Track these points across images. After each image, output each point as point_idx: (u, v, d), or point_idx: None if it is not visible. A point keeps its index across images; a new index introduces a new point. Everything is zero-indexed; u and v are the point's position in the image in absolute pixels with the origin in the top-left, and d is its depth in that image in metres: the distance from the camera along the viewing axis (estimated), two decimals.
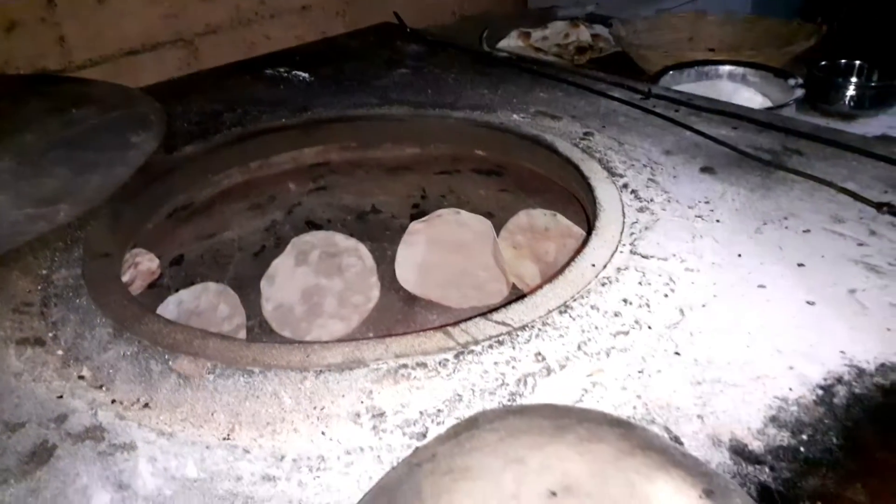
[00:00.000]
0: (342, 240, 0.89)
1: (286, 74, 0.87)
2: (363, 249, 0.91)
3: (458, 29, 1.25)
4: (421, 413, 0.39)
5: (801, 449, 0.36)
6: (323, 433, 0.38)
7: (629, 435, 0.31)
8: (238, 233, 0.82)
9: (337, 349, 0.42)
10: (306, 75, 0.87)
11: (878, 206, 0.55)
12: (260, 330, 0.84)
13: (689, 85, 0.92)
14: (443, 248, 0.91)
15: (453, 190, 0.88)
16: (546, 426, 0.31)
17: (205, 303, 0.80)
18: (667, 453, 0.30)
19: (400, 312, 0.92)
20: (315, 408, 0.39)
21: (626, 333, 0.44)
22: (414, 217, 0.89)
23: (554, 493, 0.28)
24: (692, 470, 0.30)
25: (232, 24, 1.06)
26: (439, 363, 0.41)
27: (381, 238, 0.91)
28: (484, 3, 1.40)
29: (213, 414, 0.40)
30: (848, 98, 0.92)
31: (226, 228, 0.80)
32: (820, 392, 0.39)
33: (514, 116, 0.75)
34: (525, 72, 0.85)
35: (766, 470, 0.35)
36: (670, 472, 0.29)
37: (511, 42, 1.22)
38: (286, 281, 0.88)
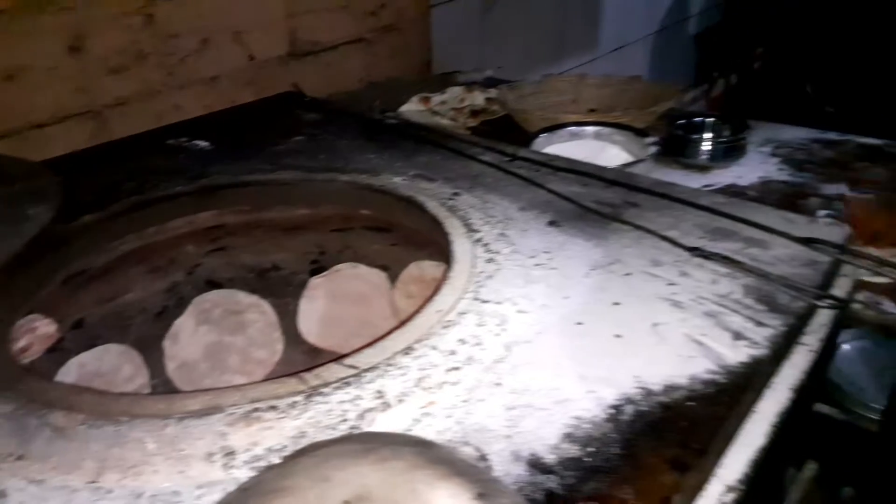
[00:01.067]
0: (244, 297, 0.94)
1: (186, 144, 0.93)
2: (265, 305, 0.96)
3: (364, 95, 1.33)
4: (268, 450, 0.44)
5: (586, 459, 0.43)
6: (180, 472, 0.43)
7: (426, 452, 0.37)
8: (139, 295, 0.86)
9: (197, 398, 0.47)
10: (206, 144, 0.93)
11: (691, 250, 0.64)
12: (164, 389, 0.88)
13: (562, 145, 1.02)
14: (343, 301, 0.97)
15: (349, 246, 0.94)
16: (357, 449, 0.37)
17: (107, 364, 0.84)
18: (454, 466, 0.37)
19: (304, 364, 0.96)
20: (175, 450, 0.45)
21: (459, 369, 0.51)
22: (314, 272, 0.95)
23: (348, 503, 0.33)
24: (472, 478, 0.36)
25: (141, 95, 1.11)
26: (289, 405, 0.47)
27: (283, 294, 0.97)
28: (390, 69, 1.49)
29: (82, 461, 0.44)
30: (702, 152, 1.03)
31: (126, 291, 0.84)
32: (611, 411, 0.47)
33: (396, 179, 0.82)
34: (410, 138, 0.93)
35: (554, 478, 0.42)
36: (451, 480, 0.35)
37: (412, 106, 1.31)
38: (189, 340, 0.92)
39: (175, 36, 1.11)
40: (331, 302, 0.97)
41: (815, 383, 0.65)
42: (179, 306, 0.89)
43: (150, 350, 0.86)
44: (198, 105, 1.18)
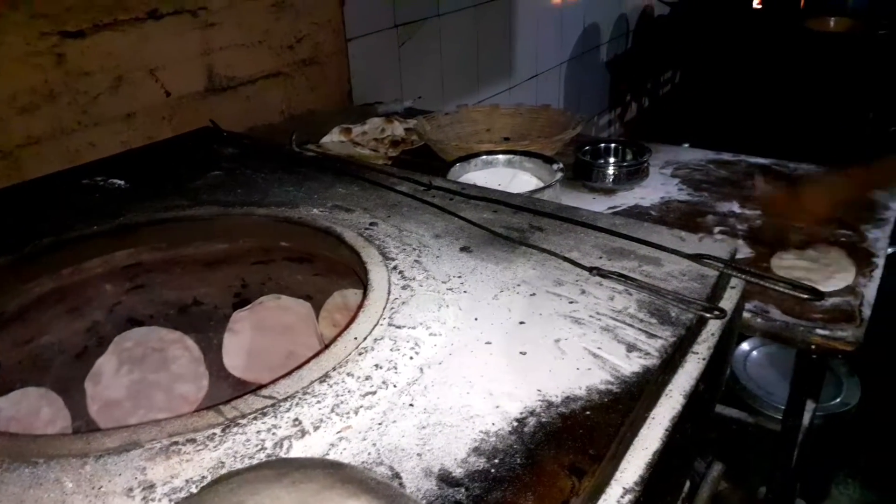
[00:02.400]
0: (166, 333, 0.94)
1: (102, 182, 0.93)
2: (189, 341, 0.96)
3: (285, 128, 1.35)
4: (187, 481, 0.46)
5: (492, 470, 0.46)
6: None
7: (337, 473, 0.40)
8: (57, 336, 0.85)
9: (115, 435, 0.48)
10: (122, 182, 0.93)
11: (590, 270, 0.69)
12: (87, 430, 0.86)
13: (477, 173, 1.06)
14: (268, 333, 0.98)
15: (272, 277, 0.96)
16: (270, 475, 0.39)
17: (26, 408, 0.82)
18: (364, 484, 0.39)
19: (230, 398, 0.96)
20: (94, 488, 0.45)
21: (374, 393, 0.53)
22: (237, 306, 0.96)
23: None
24: (381, 494, 0.38)
25: (54, 134, 1.10)
26: (207, 437, 0.48)
27: (207, 329, 0.97)
28: (310, 101, 1.52)
29: None
30: (608, 176, 1.10)
31: (44, 333, 0.83)
32: (515, 424, 0.50)
33: (314, 210, 0.85)
34: (328, 170, 0.96)
35: (462, 490, 0.44)
36: (361, 498, 0.38)
37: (334, 137, 1.34)
38: (111, 379, 0.91)
39: (87, 74, 1.11)
40: (256, 334, 0.98)
41: (712, 389, 0.71)
42: (100, 346, 0.88)
43: (71, 392, 0.84)
44: (114, 142, 1.17)
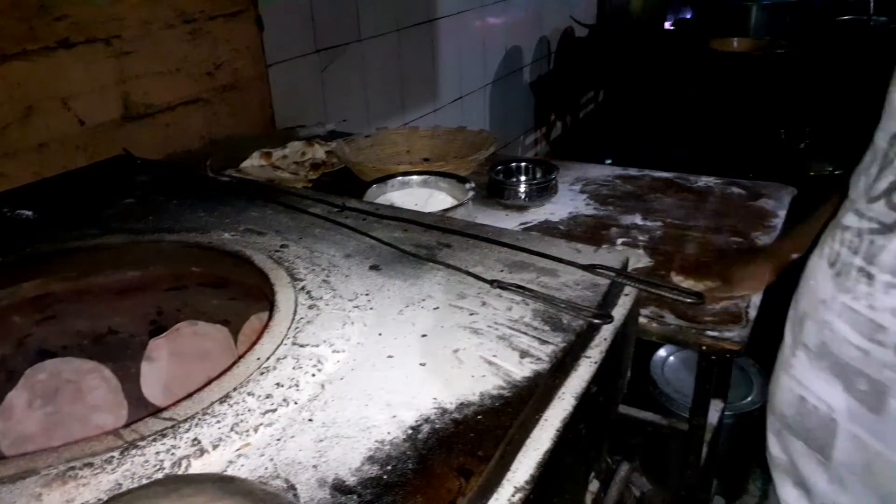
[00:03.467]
0: (81, 364, 0.93)
1: (8, 214, 0.91)
2: (105, 371, 0.95)
3: (205, 154, 1.35)
4: None
5: (384, 477, 0.48)
6: None
7: (227, 487, 0.41)
8: None
9: (11, 463, 0.48)
10: (29, 213, 0.92)
11: (491, 283, 0.72)
12: None
13: (394, 193, 1.09)
14: (186, 360, 0.97)
15: (187, 304, 0.96)
16: (160, 490, 0.40)
17: None
18: (252, 495, 0.41)
19: (129, 423, 0.96)
20: None
21: (274, 410, 0.55)
22: (153, 333, 0.96)
23: None
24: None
25: None
26: (105, 461, 0.49)
27: (123, 358, 0.96)
28: (232, 126, 1.52)
29: None
30: (519, 193, 1.14)
31: None
32: (409, 431, 0.52)
33: (226, 235, 0.86)
34: (242, 194, 0.97)
35: (355, 497, 0.47)
36: None
37: (254, 161, 1.35)
38: (24, 413, 0.89)
39: None
40: (173, 361, 0.97)
41: (609, 391, 0.75)
42: (10, 380, 0.87)
43: None
44: (26, 173, 1.16)
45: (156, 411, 0.54)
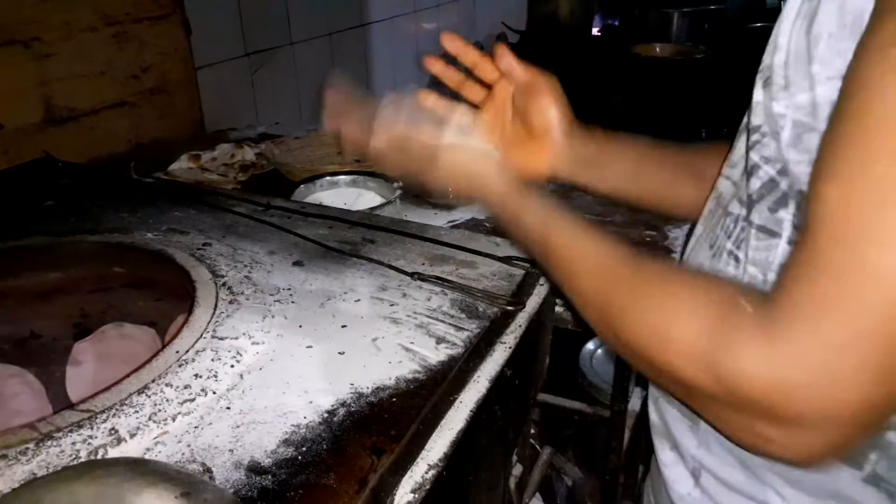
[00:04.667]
0: (2, 369, 0.91)
1: None
2: (29, 376, 0.93)
3: (131, 157, 1.33)
4: None
5: (299, 457, 0.50)
6: None
7: (137, 468, 0.43)
8: None
9: None
10: None
11: (412, 275, 0.75)
12: None
13: (322, 193, 1.11)
14: (113, 362, 0.96)
15: (112, 305, 0.95)
16: (71, 474, 0.41)
17: None
18: (164, 475, 0.42)
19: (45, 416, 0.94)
20: None
21: (193, 400, 0.56)
22: (77, 336, 0.94)
23: None
24: (178, 482, 0.42)
25: None
26: (20, 452, 0.50)
27: (47, 362, 0.94)
28: (160, 129, 1.50)
29: None
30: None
31: None
32: (325, 415, 0.54)
33: (149, 235, 0.86)
34: (165, 195, 0.97)
35: (269, 477, 0.48)
36: (158, 486, 0.41)
37: (182, 164, 1.34)
38: None
39: None
40: (100, 364, 0.96)
41: (526, 376, 0.78)
42: None
43: None
44: None
45: (72, 404, 0.54)
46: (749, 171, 0.47)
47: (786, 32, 0.42)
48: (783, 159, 0.43)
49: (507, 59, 0.70)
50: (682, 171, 0.69)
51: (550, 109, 0.69)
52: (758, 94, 0.45)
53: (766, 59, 0.45)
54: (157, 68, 1.47)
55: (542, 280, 0.80)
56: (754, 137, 0.46)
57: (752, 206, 0.46)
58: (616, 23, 2.88)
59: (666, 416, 0.56)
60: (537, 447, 1.04)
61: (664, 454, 0.56)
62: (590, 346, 1.58)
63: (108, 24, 1.37)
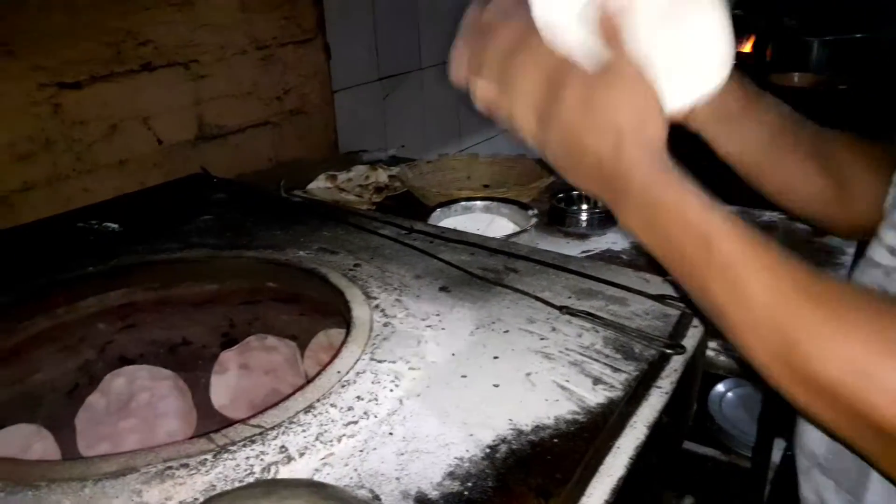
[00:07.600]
0: (156, 372, 0.97)
1: (96, 226, 0.96)
2: (180, 381, 0.98)
3: (272, 175, 1.40)
4: (181, 503, 0.49)
5: (465, 493, 0.50)
6: None
7: (320, 492, 0.43)
8: (50, 374, 0.87)
9: (113, 460, 0.51)
10: (115, 226, 0.97)
11: (560, 309, 0.73)
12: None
13: (456, 218, 1.11)
14: (254, 373, 1.01)
15: (258, 317, 0.99)
16: (258, 492, 0.43)
17: (17, 444, 0.84)
18: (346, 501, 0.43)
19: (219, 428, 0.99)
20: None
21: (356, 423, 0.57)
22: (224, 345, 0.99)
23: None
24: None
25: (49, 180, 1.14)
26: (199, 462, 0.52)
27: (195, 368, 1.00)
28: (298, 149, 1.57)
29: None
30: (581, 221, 1.15)
31: (36, 371, 0.85)
32: (487, 450, 0.54)
33: (300, 253, 0.89)
34: (314, 214, 1.00)
35: None
36: None
37: (320, 184, 1.39)
38: (102, 417, 0.93)
39: (83, 123, 1.16)
40: (242, 373, 1.00)
41: (678, 423, 0.75)
42: (91, 384, 0.91)
43: (62, 428, 0.86)
44: (107, 188, 1.22)
45: (245, 419, 0.56)
46: None
47: None
48: None
49: None
50: (812, 161, 0.65)
51: None
52: None
53: None
54: (298, 90, 1.54)
55: (695, 321, 0.77)
56: None
57: None
58: (750, 50, 2.77)
59: (821, 489, 0.51)
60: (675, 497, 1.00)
61: None
62: (720, 388, 1.50)
63: (257, 47, 1.44)
